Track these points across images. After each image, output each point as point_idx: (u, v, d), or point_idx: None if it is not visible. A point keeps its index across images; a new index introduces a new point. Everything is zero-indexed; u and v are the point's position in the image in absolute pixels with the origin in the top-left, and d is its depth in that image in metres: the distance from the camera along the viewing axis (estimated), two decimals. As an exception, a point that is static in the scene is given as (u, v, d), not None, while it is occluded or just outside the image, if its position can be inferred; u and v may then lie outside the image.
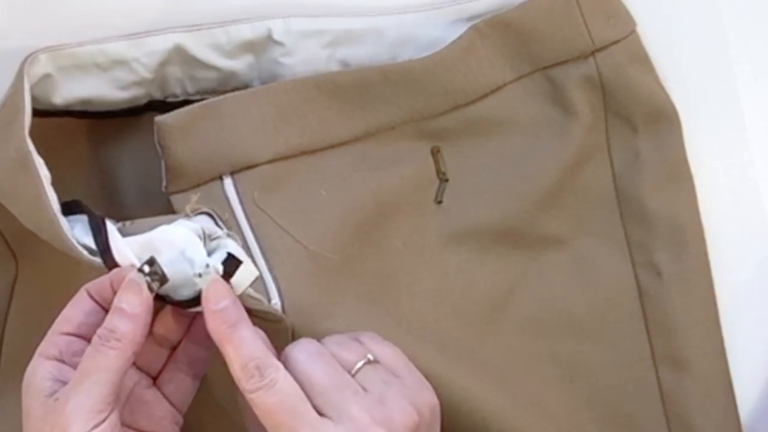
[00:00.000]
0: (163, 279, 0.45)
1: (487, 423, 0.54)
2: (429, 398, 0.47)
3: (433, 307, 0.56)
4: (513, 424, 0.55)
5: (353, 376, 0.45)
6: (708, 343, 0.59)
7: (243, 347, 0.44)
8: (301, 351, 0.46)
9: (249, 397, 0.44)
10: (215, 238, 0.48)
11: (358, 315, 0.53)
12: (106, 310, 0.46)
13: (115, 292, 0.46)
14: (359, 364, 0.46)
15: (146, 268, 0.45)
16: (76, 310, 0.46)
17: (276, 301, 0.51)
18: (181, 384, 0.48)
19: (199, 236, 0.47)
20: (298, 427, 0.43)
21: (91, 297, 0.46)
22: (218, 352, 0.46)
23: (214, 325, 0.45)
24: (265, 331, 0.47)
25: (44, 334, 0.46)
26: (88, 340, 0.45)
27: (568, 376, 0.59)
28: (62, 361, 0.45)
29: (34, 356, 0.45)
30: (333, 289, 0.53)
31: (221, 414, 0.55)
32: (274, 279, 0.51)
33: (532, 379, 0.58)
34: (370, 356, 0.46)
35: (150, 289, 0.45)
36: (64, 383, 0.44)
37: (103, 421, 0.43)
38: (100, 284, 0.46)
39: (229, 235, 0.48)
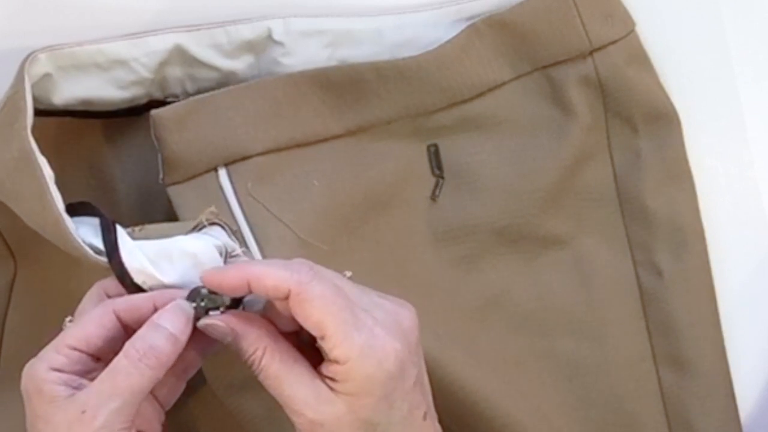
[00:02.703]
0: (223, 307, 0.46)
1: (480, 409, 0.55)
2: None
3: (423, 301, 0.56)
4: (506, 412, 0.55)
5: None
6: (708, 343, 0.59)
7: (273, 264, 0.44)
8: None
9: (304, 290, 0.43)
10: (234, 255, 0.48)
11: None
12: (128, 332, 0.46)
13: None
14: (348, 273, 0.47)
15: (204, 291, 0.45)
16: (100, 330, 0.45)
17: None
18: (172, 387, 0.48)
19: (221, 253, 0.47)
20: (355, 310, 0.44)
21: (118, 317, 0.46)
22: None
23: (234, 275, 0.44)
24: None
25: (44, 333, 0.46)
26: (100, 358, 0.45)
27: (566, 375, 0.59)
28: (72, 373, 0.45)
29: (39, 364, 0.44)
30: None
31: (214, 403, 0.55)
32: None
33: (526, 375, 0.58)
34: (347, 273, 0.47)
35: (196, 317, 0.45)
36: (75, 387, 0.44)
37: None
38: (134, 305, 0.46)
39: (245, 253, 0.48)
